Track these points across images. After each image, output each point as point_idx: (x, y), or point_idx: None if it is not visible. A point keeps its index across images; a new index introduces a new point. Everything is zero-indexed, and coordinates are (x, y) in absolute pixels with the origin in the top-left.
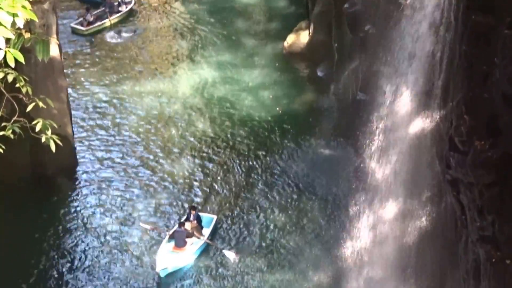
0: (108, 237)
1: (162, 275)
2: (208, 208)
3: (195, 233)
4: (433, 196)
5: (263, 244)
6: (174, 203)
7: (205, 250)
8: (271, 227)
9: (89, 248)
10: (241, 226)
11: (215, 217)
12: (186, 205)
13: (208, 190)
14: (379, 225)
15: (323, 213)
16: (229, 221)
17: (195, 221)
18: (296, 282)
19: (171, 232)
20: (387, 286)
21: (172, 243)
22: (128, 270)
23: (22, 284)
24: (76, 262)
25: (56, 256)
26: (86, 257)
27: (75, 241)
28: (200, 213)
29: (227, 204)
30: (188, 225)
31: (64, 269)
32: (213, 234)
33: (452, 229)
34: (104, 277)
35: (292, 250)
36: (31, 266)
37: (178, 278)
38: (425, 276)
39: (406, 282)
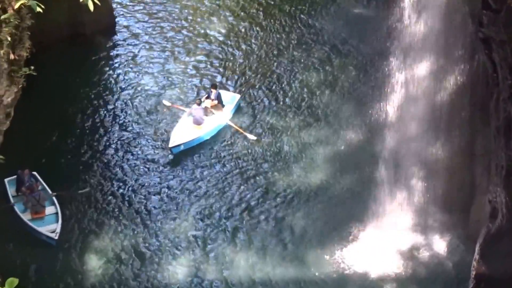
0: (141, 96)
1: (174, 152)
2: (238, 71)
3: (214, 111)
4: (465, 55)
5: (296, 104)
6: (207, 66)
7: (223, 130)
8: (304, 86)
9: (123, 106)
10: (274, 87)
11: (238, 96)
12: (216, 67)
13: (240, 51)
14: (411, 84)
15: (357, 72)
16: (262, 82)
17: (216, 100)
18: (330, 139)
19: (190, 109)
20: (419, 143)
21: (190, 120)
22: (149, 138)
23: (55, 134)
24: (106, 118)
25: (90, 112)
26: (118, 115)
27: (110, 98)
28: (223, 91)
29: (260, 64)
30: (208, 103)
31: (95, 123)
32: (235, 113)
33: (483, 87)
34: (127, 138)
35: (326, 109)
36: (68, 120)
37: (189, 158)
38: (456, 134)
39: (438, 140)
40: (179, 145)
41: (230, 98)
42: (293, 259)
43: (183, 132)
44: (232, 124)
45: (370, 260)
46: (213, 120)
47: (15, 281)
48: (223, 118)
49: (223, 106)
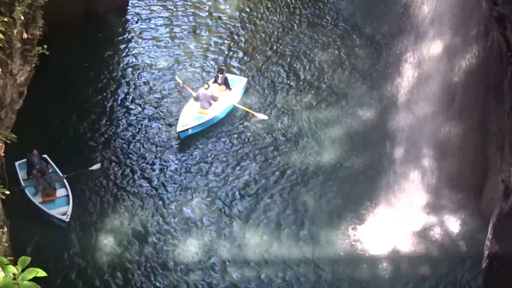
0: (153, 76)
1: (182, 136)
2: (250, 51)
3: (221, 96)
4: (479, 33)
5: (308, 83)
6: (218, 45)
7: (231, 114)
8: (316, 65)
9: (135, 86)
10: (285, 66)
11: (245, 79)
12: (228, 46)
13: (252, 30)
14: (425, 63)
15: (370, 50)
16: (274, 62)
17: (223, 85)
18: (343, 118)
19: (197, 93)
20: (433, 122)
21: (197, 105)
22: (160, 119)
23: (66, 114)
24: (118, 99)
25: (101, 91)
26: (130, 95)
27: (122, 78)
28: (230, 75)
29: (272, 43)
30: (215, 88)
31: (106, 104)
32: (245, 95)
33: (497, 66)
34: (138, 119)
35: (338, 88)
36: (80, 100)
37: (197, 142)
38: (469, 112)
39: (451, 119)
40: (186, 130)
41: (237, 81)
42: (305, 238)
43: (191, 117)
44: (240, 106)
45: (383, 239)
46: (220, 104)
47: (27, 259)
48: (230, 101)
49: (230, 89)
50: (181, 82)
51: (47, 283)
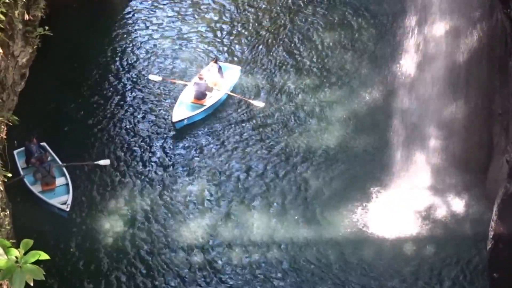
0: (157, 60)
1: (177, 127)
2: (252, 32)
3: (215, 85)
4: (484, 14)
5: (311, 64)
6: (222, 28)
7: (228, 102)
8: (319, 47)
9: (139, 70)
10: (287, 48)
11: (239, 67)
12: (230, 28)
13: (254, 12)
14: (429, 43)
15: (373, 31)
16: (275, 43)
17: (217, 74)
18: (347, 100)
19: (191, 83)
20: (437, 103)
21: (192, 95)
22: (162, 105)
23: (67, 98)
24: (119, 82)
25: (103, 74)
26: (133, 79)
27: (125, 61)
28: (224, 63)
29: (273, 24)
30: (209, 77)
31: (108, 87)
32: (242, 82)
33: (501, 46)
34: (140, 104)
35: (341, 69)
36: (81, 82)
37: (194, 130)
38: (474, 93)
39: (456, 99)
40: (182, 120)
41: (231, 70)
42: (310, 219)
43: (186, 107)
44: (235, 95)
45: (387, 220)
46: (215, 94)
47: (30, 242)
48: (225, 90)
49: (224, 79)
50: (161, 79)
51: (49, 266)
